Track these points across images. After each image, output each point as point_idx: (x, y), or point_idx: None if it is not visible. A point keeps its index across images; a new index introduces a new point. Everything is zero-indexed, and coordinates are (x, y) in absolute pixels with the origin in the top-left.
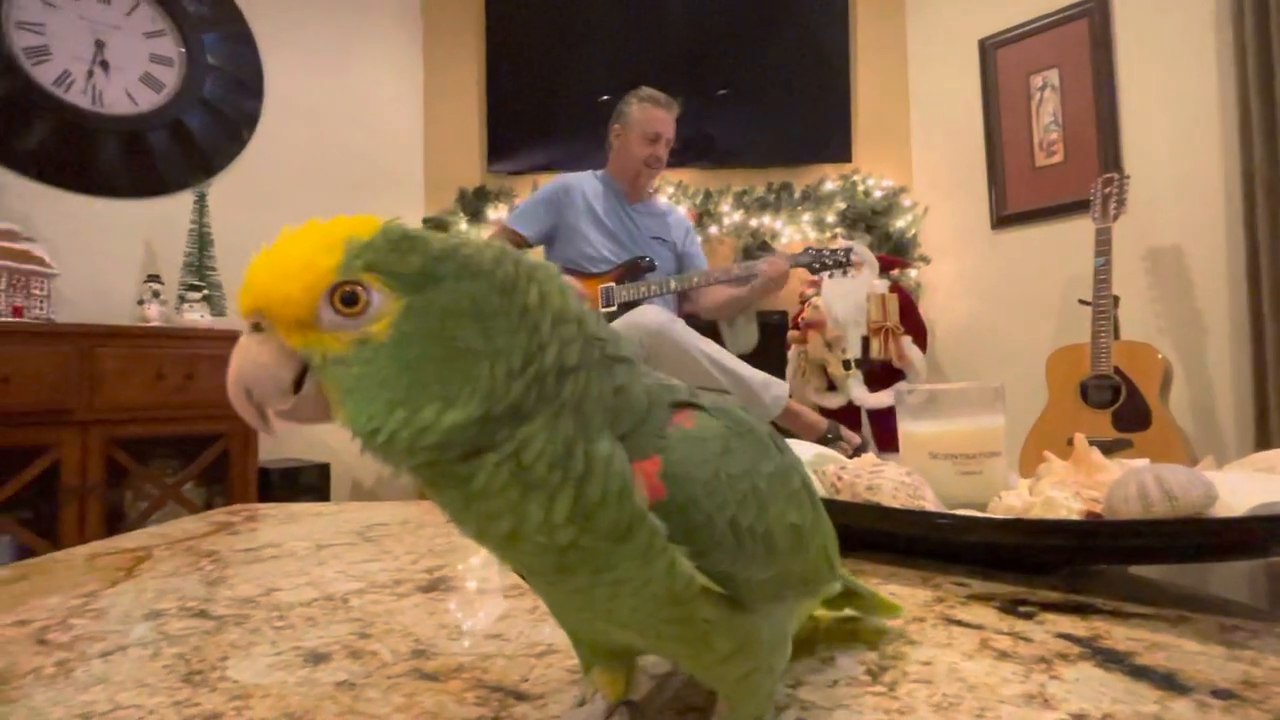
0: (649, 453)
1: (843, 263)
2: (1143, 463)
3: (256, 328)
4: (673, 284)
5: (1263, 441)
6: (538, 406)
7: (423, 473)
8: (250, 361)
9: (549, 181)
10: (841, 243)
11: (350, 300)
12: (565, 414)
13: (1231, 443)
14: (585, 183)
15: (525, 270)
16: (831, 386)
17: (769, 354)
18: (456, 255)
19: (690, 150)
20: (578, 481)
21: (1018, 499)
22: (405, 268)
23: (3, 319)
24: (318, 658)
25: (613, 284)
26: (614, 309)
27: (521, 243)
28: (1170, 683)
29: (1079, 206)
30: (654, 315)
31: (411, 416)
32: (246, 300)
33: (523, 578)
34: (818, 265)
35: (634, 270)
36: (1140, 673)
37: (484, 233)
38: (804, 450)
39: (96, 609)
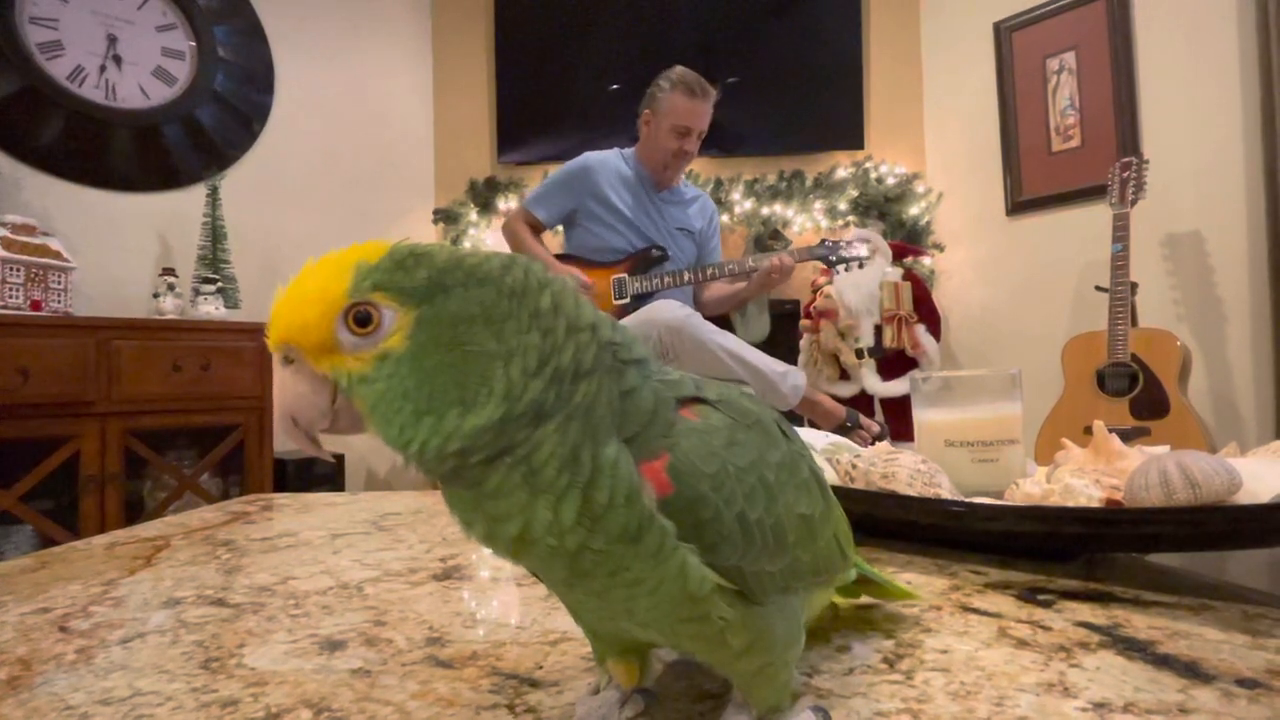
0: (656, 451)
1: (859, 257)
2: (1164, 450)
3: (288, 360)
4: (686, 276)
5: None
6: (555, 408)
7: (445, 475)
8: (289, 392)
9: (571, 161)
10: (855, 231)
11: (364, 320)
12: (575, 419)
13: (1252, 431)
14: (611, 164)
15: (537, 278)
16: (844, 375)
17: (781, 343)
18: (463, 265)
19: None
20: (584, 486)
21: (1035, 487)
22: (412, 282)
23: (22, 313)
24: (334, 645)
25: (625, 275)
26: (627, 301)
27: (537, 226)
28: (1193, 671)
29: (1096, 192)
30: (672, 310)
31: (438, 424)
32: (273, 335)
33: (538, 577)
34: (834, 259)
35: (645, 261)
36: (1163, 661)
37: (494, 222)
38: (818, 439)
39: (116, 597)
